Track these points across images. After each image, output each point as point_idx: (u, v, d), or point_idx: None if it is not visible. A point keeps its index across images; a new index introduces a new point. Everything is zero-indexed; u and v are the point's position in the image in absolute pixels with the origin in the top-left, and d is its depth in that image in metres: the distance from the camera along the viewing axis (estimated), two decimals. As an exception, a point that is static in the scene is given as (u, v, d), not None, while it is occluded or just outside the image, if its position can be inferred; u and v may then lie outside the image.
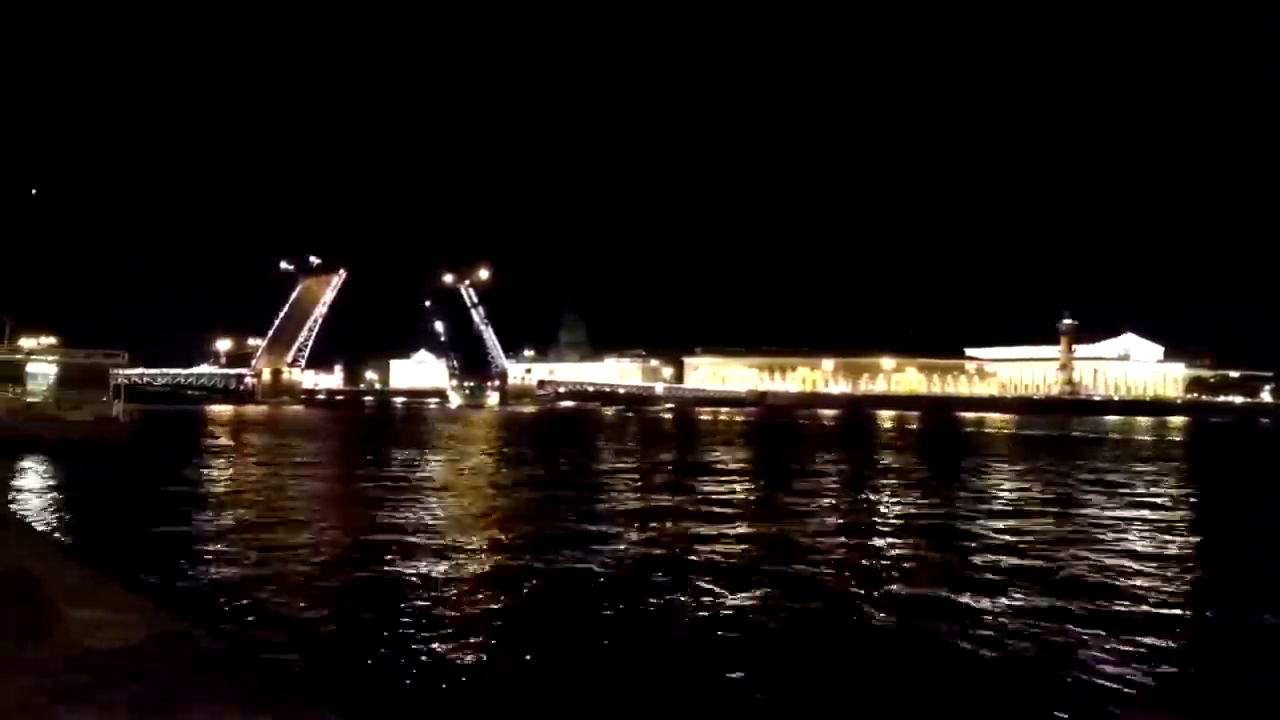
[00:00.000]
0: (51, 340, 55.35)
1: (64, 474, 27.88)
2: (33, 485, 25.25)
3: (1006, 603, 12.44)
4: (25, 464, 29.28)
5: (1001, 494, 27.26)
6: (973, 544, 17.57)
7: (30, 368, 39.78)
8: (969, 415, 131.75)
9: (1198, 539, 19.78)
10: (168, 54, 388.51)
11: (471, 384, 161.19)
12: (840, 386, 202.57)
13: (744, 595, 12.68)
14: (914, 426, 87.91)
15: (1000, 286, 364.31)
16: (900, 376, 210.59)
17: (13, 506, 19.99)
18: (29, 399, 38.24)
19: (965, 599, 12.63)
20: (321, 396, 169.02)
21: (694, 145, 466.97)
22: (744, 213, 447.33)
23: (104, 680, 2.96)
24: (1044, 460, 42.41)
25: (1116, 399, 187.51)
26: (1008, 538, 18.27)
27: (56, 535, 16.62)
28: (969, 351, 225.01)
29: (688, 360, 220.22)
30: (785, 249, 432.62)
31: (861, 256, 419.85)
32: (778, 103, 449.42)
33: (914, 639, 10.77)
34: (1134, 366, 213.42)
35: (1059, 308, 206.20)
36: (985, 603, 12.40)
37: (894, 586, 13.59)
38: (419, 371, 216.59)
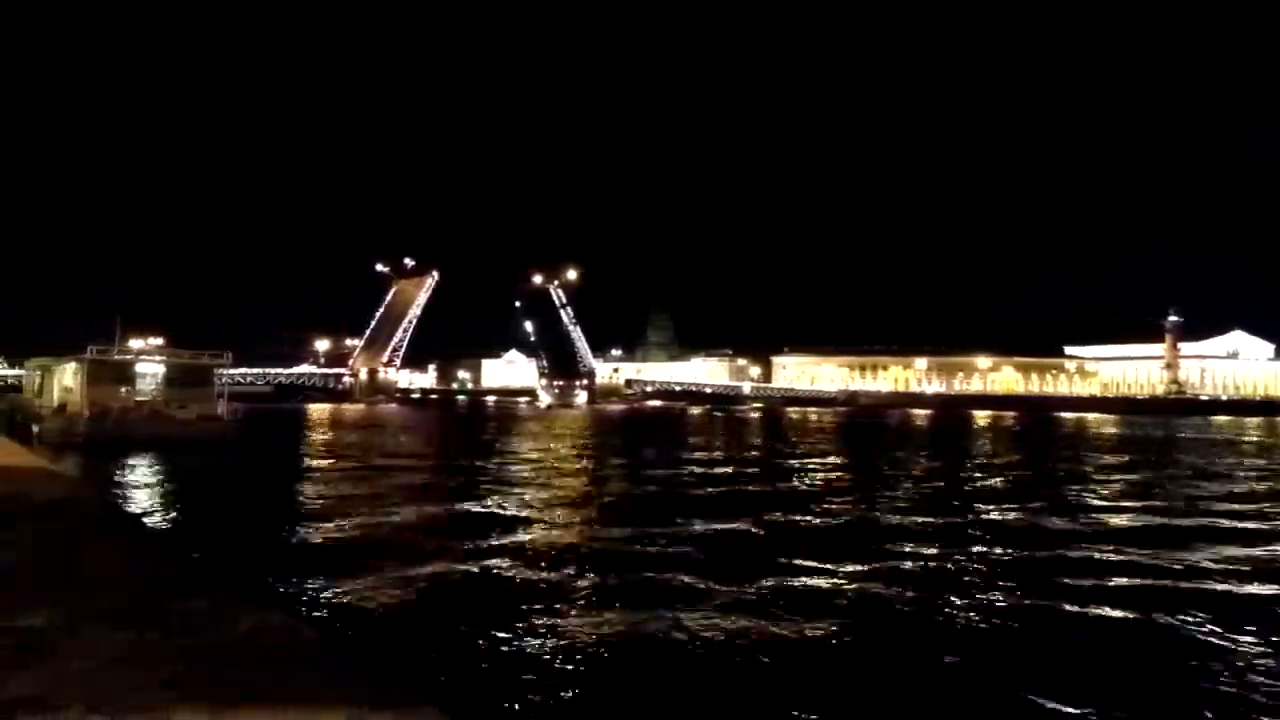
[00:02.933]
0: (159, 341, 57.52)
1: (171, 470, 28.83)
2: (142, 481, 26.16)
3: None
4: (135, 461, 30.35)
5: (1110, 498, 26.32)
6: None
7: (139, 368, 41.18)
8: (1069, 415, 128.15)
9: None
10: (270, 61, 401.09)
11: (560, 383, 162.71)
12: (934, 386, 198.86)
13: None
14: (1013, 426, 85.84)
15: (1101, 283, 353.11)
16: (996, 376, 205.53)
17: (123, 502, 20.70)
18: (138, 398, 39.61)
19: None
20: (416, 396, 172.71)
21: (783, 143, 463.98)
22: (833, 209, 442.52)
23: (212, 669, 2.95)
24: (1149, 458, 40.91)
25: (1225, 399, 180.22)
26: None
27: (164, 529, 17.13)
28: (1068, 350, 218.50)
29: (776, 359, 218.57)
30: (876, 246, 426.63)
31: (956, 253, 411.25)
32: (872, 97, 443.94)
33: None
34: (1243, 365, 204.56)
35: (1163, 304, 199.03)
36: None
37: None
38: (509, 371, 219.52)
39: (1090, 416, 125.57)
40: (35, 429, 39.20)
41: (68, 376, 41.10)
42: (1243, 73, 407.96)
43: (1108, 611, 11.82)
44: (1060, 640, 10.62)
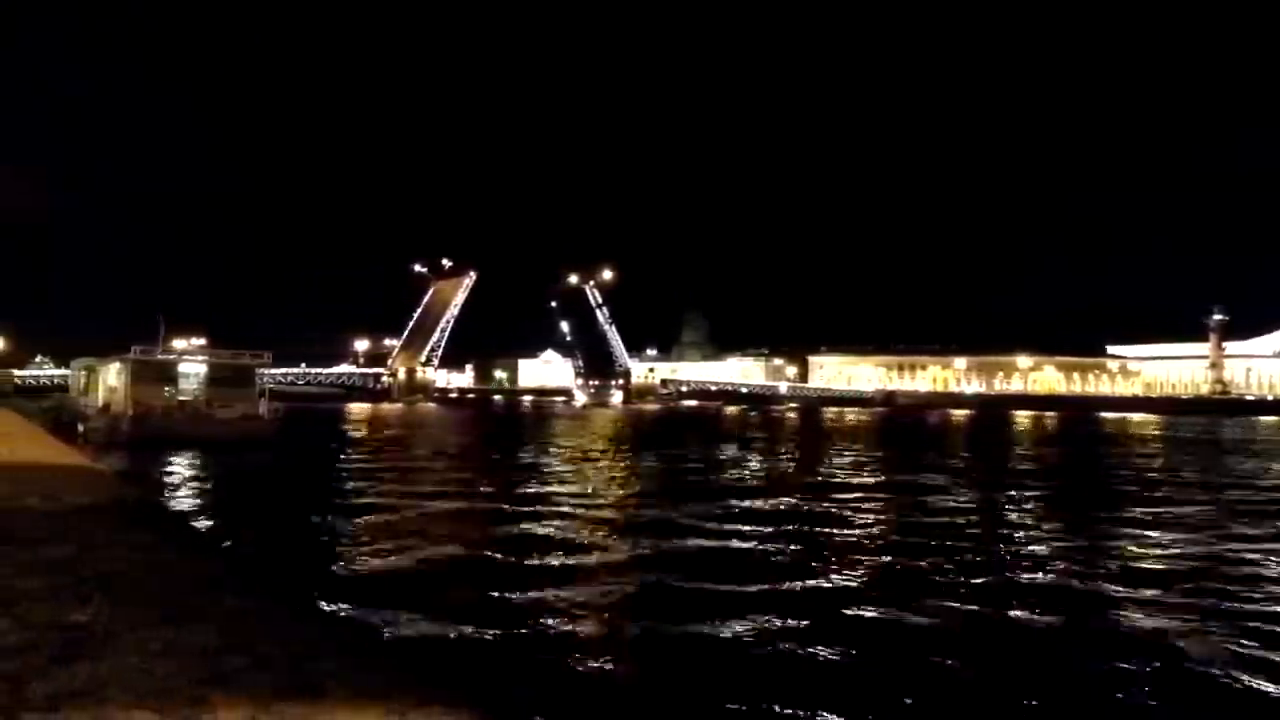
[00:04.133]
0: (201, 341, 58.33)
1: (213, 468, 29.15)
2: (184, 480, 26.48)
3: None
4: (177, 459, 30.73)
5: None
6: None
7: (182, 368, 41.65)
8: (1111, 416, 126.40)
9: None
10: (309, 63, 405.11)
11: (596, 383, 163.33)
12: (973, 386, 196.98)
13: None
14: (1057, 426, 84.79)
15: (1144, 281, 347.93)
16: (1037, 375, 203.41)
17: (165, 501, 20.98)
18: (180, 398, 40.08)
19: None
20: (453, 395, 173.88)
21: (822, 142, 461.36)
22: (870, 207, 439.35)
23: (252, 665, 2.98)
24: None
25: (1271, 398, 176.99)
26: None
27: (206, 528, 17.33)
28: (1111, 349, 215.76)
29: (812, 359, 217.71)
30: (914, 245, 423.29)
31: (995, 250, 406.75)
32: (910, 94, 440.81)
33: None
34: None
35: (1207, 303, 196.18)
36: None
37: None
38: (546, 370, 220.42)
39: (1134, 417, 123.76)
40: (80, 428, 39.80)
41: (112, 376, 41.65)
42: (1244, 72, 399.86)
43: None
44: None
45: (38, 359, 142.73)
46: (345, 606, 10.93)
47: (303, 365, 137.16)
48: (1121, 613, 11.63)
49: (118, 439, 35.92)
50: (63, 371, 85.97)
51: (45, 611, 3.56)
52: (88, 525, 5.88)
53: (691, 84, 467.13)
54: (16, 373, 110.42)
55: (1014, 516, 21.34)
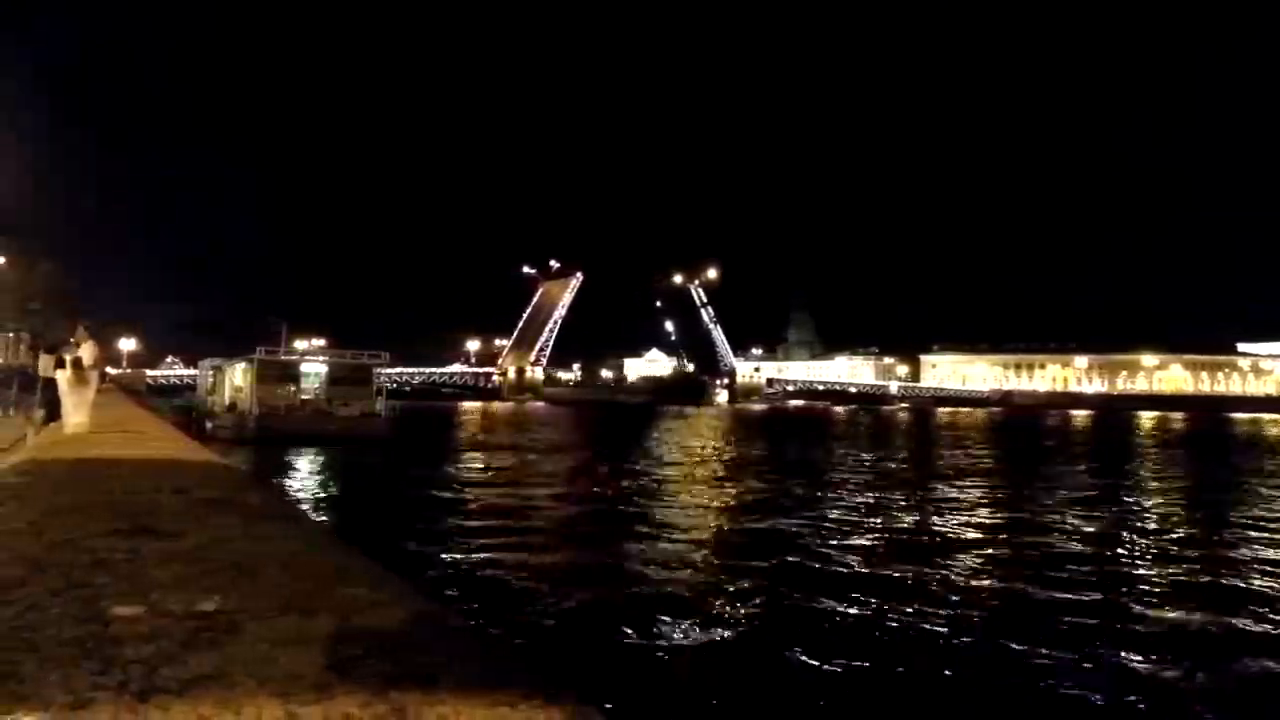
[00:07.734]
0: (321, 342, 60.30)
1: (334, 464, 30.14)
2: (306, 475, 27.43)
3: None
4: (300, 455, 31.84)
5: None
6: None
7: (303, 368, 43.13)
8: (1242, 416, 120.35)
9: None
10: (414, 66, 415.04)
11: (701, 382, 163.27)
12: (1095, 385, 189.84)
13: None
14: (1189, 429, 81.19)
15: (1273, 278, 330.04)
16: (1163, 374, 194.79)
17: (290, 494, 21.73)
18: (302, 396, 41.48)
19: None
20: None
21: (927, 133, 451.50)
22: (984, 201, 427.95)
23: (371, 654, 3.06)
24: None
25: None
26: None
27: (328, 520, 17.89)
28: (1241, 346, 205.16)
29: (924, 358, 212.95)
30: (1033, 238, 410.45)
31: (1118, 243, 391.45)
32: (1032, 83, 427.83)
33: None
34: None
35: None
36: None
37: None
38: (651, 370, 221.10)
39: (1266, 417, 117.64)
40: (208, 425, 41.54)
41: (238, 376, 43.31)
42: None
43: None
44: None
45: (168, 359, 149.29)
46: (459, 599, 11.16)
47: (399, 366, 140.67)
48: None
49: (243, 436, 37.36)
50: (191, 371, 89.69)
51: (177, 600, 3.71)
52: (216, 518, 6.12)
53: (798, 84, 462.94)
54: (149, 373, 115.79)
55: None
